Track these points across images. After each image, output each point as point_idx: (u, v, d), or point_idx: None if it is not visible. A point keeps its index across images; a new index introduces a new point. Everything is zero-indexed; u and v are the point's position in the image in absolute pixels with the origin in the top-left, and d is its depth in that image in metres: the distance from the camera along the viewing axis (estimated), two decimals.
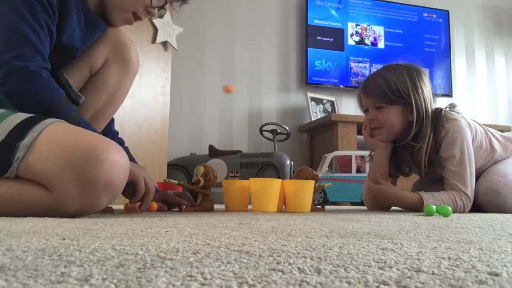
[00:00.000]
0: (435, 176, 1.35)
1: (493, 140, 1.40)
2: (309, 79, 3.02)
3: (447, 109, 1.34)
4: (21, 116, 0.81)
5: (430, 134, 1.27)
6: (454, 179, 1.25)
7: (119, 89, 1.08)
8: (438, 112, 1.31)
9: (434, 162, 1.29)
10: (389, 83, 1.28)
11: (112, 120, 1.19)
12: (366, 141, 1.40)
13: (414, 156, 1.33)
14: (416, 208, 1.23)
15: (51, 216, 0.76)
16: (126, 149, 1.10)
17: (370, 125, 1.35)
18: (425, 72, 1.36)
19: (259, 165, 2.31)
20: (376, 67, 3.20)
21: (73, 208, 0.77)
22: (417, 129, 1.29)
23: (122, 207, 1.39)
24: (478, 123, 1.42)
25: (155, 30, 2.31)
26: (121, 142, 1.14)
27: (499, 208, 1.28)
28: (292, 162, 2.36)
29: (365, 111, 1.37)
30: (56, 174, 0.75)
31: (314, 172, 1.25)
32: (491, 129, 1.46)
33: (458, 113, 1.35)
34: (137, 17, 1.03)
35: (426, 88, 1.31)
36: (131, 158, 1.08)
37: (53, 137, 0.79)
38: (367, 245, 0.42)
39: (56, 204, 0.76)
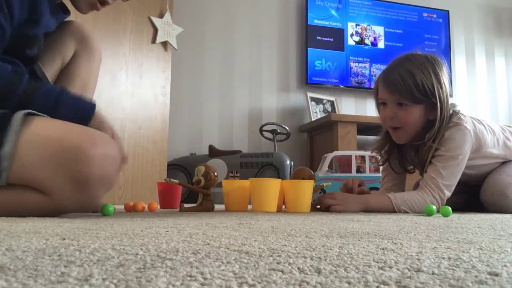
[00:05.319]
0: None
1: (507, 140, 1.36)
2: (309, 79, 3.02)
3: (459, 113, 1.27)
4: None
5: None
6: (435, 174, 1.19)
7: (90, 75, 1.15)
8: (452, 114, 1.25)
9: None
10: (415, 79, 1.16)
11: None
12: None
13: (421, 154, 1.26)
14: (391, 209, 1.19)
15: (51, 216, 0.77)
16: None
17: (389, 123, 1.24)
18: (445, 62, 1.25)
19: (259, 165, 2.30)
20: (376, 67, 3.19)
21: (72, 207, 0.79)
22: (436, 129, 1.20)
23: (122, 207, 1.39)
24: (490, 123, 1.37)
25: (155, 30, 2.31)
26: None
27: (503, 210, 1.27)
28: (292, 162, 2.36)
29: (382, 103, 1.25)
30: (50, 180, 0.76)
31: (312, 172, 1.25)
32: (507, 128, 1.42)
33: (465, 116, 1.28)
34: (102, 2, 1.03)
35: (447, 82, 1.21)
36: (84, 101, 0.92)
37: (36, 139, 0.77)
38: (367, 245, 0.42)
39: (56, 207, 0.78)
